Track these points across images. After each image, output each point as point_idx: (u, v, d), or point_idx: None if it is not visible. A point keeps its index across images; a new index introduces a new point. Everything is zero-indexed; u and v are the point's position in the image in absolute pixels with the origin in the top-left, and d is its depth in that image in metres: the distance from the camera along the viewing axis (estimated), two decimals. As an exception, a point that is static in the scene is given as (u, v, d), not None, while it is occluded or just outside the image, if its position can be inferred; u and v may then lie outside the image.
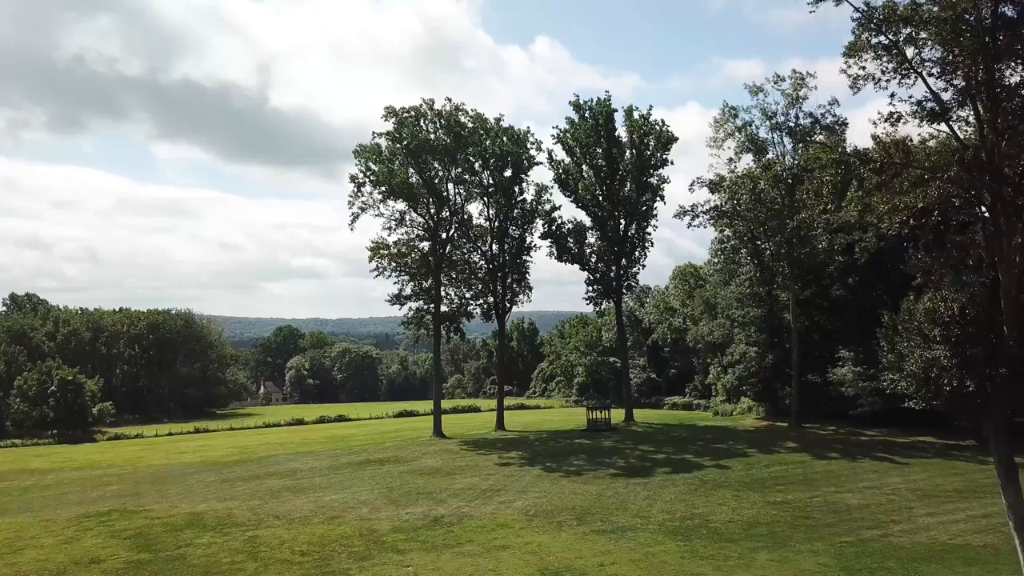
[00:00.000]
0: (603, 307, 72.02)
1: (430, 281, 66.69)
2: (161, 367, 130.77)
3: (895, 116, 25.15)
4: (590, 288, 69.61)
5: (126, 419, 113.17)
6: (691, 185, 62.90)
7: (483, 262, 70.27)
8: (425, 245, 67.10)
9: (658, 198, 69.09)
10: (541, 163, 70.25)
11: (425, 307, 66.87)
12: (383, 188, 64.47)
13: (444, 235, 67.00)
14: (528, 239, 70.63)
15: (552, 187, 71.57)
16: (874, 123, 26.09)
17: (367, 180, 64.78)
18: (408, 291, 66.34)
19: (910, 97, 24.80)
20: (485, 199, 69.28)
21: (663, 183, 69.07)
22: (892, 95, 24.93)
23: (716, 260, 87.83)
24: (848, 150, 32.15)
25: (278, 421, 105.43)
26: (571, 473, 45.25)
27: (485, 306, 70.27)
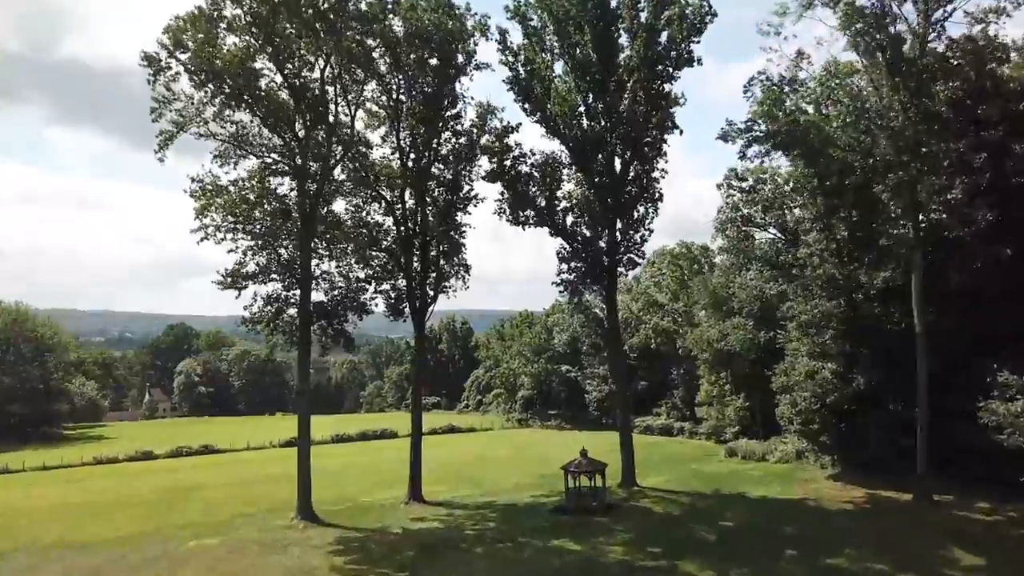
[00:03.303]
0: (586, 297, 42.90)
1: (291, 249, 37.30)
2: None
3: None
4: (566, 266, 41.16)
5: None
6: (747, 85, 35.34)
7: (390, 222, 41.28)
8: (285, 188, 37.76)
9: (670, 125, 41.26)
10: (487, 66, 41.58)
11: (285, 294, 37.41)
12: (206, 80, 34.74)
13: (320, 173, 37.66)
14: (466, 186, 42.00)
15: (503, 108, 43.10)
16: None
17: (179, 67, 34.94)
18: (253, 266, 36.75)
19: None
20: (393, 118, 40.33)
21: (676, 104, 41.24)
22: None
23: (728, 232, 61.10)
24: None
25: (116, 456, 74.03)
26: None
27: (392, 294, 41.30)
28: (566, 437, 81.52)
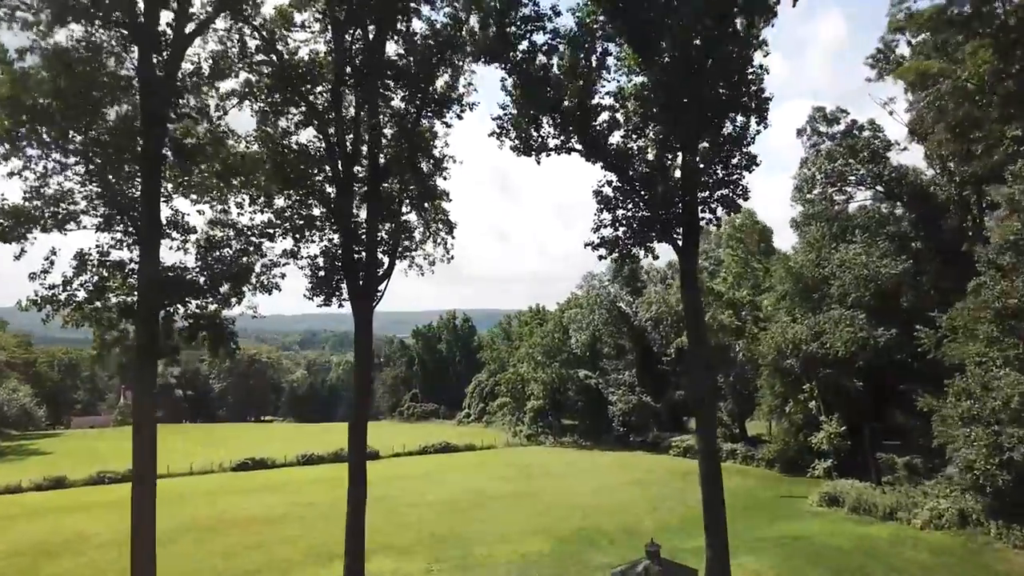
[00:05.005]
0: (643, 261, 24.84)
1: (126, 172, 20.49)
2: None
3: None
4: (609, 215, 23.79)
5: None
6: None
7: (319, 140, 24.34)
8: (115, 61, 20.92)
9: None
10: None
11: (112, 256, 20.59)
12: None
13: (174, 37, 20.86)
14: (443, 82, 25.09)
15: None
16: None
17: None
18: (40, 203, 19.93)
19: None
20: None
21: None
22: None
23: (811, 195, 44.56)
24: None
25: (19, 484, 58.00)
26: None
27: (323, 263, 24.34)
28: (586, 460, 64.58)
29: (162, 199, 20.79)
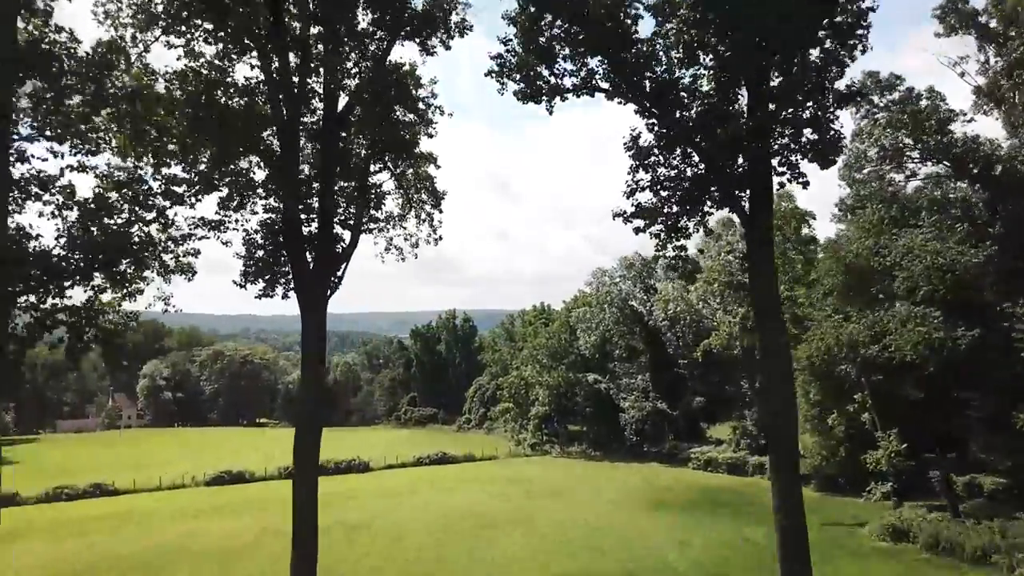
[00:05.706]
0: (686, 236, 17.67)
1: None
2: None
3: None
4: (649, 174, 17.16)
5: None
6: None
7: (255, 68, 18.02)
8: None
9: None
10: None
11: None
12: None
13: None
14: (423, 3, 18.79)
15: None
16: None
17: None
18: None
19: None
20: None
21: None
22: None
23: (861, 175, 38.28)
24: None
25: (-33, 501, 51.52)
26: None
27: (262, 239, 18.00)
28: (596, 473, 58.10)
29: (14, 141, 14.47)
